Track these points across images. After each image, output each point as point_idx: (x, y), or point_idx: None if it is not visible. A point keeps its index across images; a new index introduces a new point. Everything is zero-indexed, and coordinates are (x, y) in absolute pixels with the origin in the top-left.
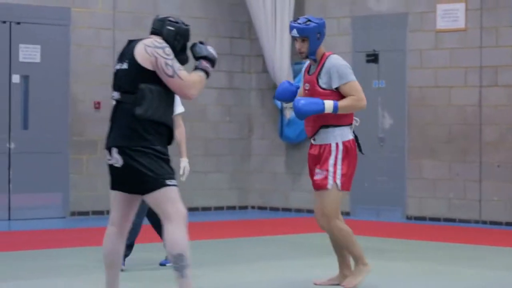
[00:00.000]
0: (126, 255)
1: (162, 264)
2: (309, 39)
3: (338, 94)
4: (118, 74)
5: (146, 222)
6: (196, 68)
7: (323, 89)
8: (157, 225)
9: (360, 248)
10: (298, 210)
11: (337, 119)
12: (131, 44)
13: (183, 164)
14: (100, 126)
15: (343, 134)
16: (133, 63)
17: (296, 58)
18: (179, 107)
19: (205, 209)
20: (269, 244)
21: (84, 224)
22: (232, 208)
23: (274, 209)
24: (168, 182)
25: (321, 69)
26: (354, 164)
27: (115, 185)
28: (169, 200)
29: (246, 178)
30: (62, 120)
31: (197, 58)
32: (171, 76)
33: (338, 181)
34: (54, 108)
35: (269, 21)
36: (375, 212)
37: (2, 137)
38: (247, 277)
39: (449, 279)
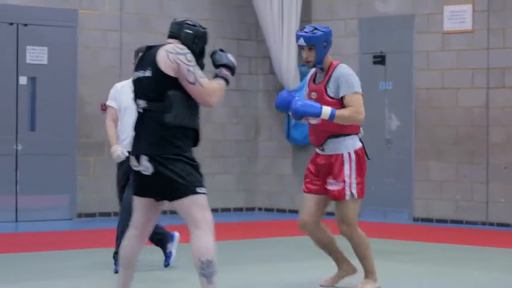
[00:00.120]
0: None
1: (167, 265)
2: (316, 48)
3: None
4: (141, 82)
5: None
6: (216, 75)
7: (331, 98)
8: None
9: (374, 264)
10: None
11: (346, 128)
12: (151, 50)
13: None
14: None
15: (354, 143)
16: (156, 70)
17: (302, 60)
18: None
19: (212, 210)
20: (276, 246)
21: (91, 226)
22: (239, 209)
23: (281, 210)
24: (198, 190)
25: (329, 78)
26: (365, 171)
27: (141, 192)
28: (198, 207)
29: (253, 180)
30: (69, 122)
31: (217, 65)
32: (193, 83)
33: (354, 191)
34: (61, 109)
35: (276, 23)
36: (382, 213)
37: (9, 139)
38: (254, 278)
39: (456, 281)
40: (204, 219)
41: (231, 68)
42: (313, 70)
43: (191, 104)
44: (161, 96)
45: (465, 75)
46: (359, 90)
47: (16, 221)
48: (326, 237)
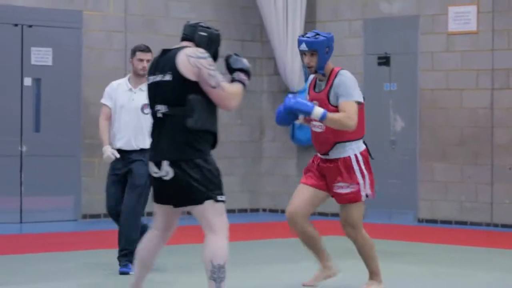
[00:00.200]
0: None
1: (123, 273)
2: (318, 53)
3: None
4: (159, 86)
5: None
6: (233, 80)
7: (334, 106)
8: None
9: (378, 265)
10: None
11: (352, 135)
12: (169, 54)
13: None
14: None
15: (359, 146)
16: (177, 74)
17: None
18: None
19: None
20: (281, 247)
21: (95, 227)
22: (244, 210)
23: (285, 211)
24: (218, 197)
25: (331, 86)
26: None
27: (160, 199)
28: (216, 213)
29: (257, 181)
30: (74, 123)
31: (233, 70)
32: (214, 87)
33: (369, 192)
34: (66, 111)
35: (281, 24)
36: (387, 215)
37: (14, 140)
38: (259, 279)
39: (460, 282)
40: (220, 224)
41: (247, 72)
42: (312, 77)
43: (211, 108)
44: (182, 101)
45: (469, 76)
46: (356, 98)
47: (21, 222)
48: (312, 230)
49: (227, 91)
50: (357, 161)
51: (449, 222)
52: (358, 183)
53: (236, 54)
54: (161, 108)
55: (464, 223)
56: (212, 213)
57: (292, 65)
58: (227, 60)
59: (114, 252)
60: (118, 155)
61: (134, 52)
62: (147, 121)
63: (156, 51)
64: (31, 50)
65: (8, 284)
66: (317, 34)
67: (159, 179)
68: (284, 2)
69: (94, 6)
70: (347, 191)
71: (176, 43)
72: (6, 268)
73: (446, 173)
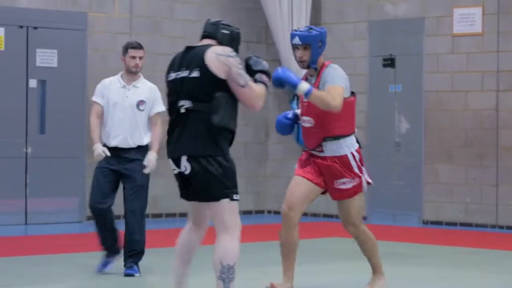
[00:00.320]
0: (135, 262)
1: (129, 274)
2: (311, 47)
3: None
4: (185, 82)
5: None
6: (255, 81)
7: None
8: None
9: (380, 259)
10: (314, 215)
11: (343, 130)
12: (193, 51)
13: (150, 157)
14: None
15: (353, 143)
16: (206, 71)
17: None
18: (159, 106)
19: None
20: None
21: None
22: (249, 212)
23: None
24: (234, 196)
25: (320, 79)
26: None
27: (185, 195)
28: (231, 212)
29: (262, 183)
30: (78, 124)
31: (253, 71)
32: (243, 86)
33: (369, 179)
34: (70, 112)
35: (286, 26)
36: (392, 216)
37: (19, 142)
38: (262, 281)
39: (465, 284)
40: (234, 225)
41: (267, 74)
42: (303, 72)
43: (235, 107)
44: (208, 97)
45: (474, 78)
46: (341, 84)
47: (26, 224)
48: (297, 236)
49: (255, 90)
50: (354, 158)
51: (454, 224)
52: (359, 177)
53: (256, 56)
54: (185, 104)
55: (469, 225)
56: (227, 212)
57: (297, 66)
58: (247, 61)
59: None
60: (108, 153)
61: (126, 49)
62: (143, 118)
63: (161, 53)
64: (36, 52)
65: (13, 286)
66: (310, 28)
67: (180, 175)
68: (289, 4)
69: (99, 8)
70: (349, 187)
71: (181, 45)
72: (11, 270)
73: (451, 174)
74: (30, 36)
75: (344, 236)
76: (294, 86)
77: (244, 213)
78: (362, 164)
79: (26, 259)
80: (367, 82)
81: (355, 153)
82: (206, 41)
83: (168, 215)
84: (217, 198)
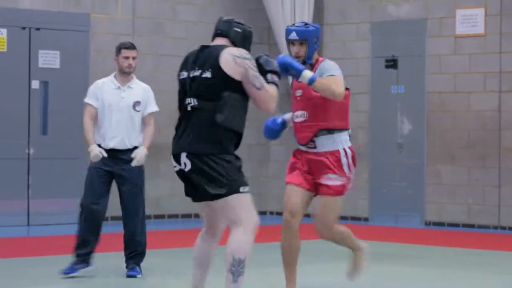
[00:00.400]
0: (137, 263)
1: (131, 276)
2: (307, 42)
3: (330, 100)
4: (195, 81)
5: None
6: (267, 81)
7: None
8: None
9: (355, 239)
10: None
11: (337, 123)
12: (208, 51)
13: (139, 150)
14: None
15: (347, 140)
16: (219, 72)
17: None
18: (152, 106)
19: None
20: None
21: (102, 229)
22: None
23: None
24: (241, 189)
25: (316, 72)
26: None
27: (189, 194)
28: (242, 206)
29: (264, 184)
30: (81, 125)
31: (264, 71)
32: (259, 89)
33: (350, 186)
34: (73, 113)
35: None
36: (394, 217)
37: (21, 143)
38: (266, 283)
39: (468, 285)
40: (247, 218)
41: (278, 74)
42: None
43: (243, 109)
44: (215, 97)
45: (477, 79)
46: (339, 74)
47: (28, 225)
48: (299, 244)
49: (270, 92)
50: (346, 155)
51: (456, 225)
52: (347, 177)
53: (266, 55)
54: (192, 102)
55: (471, 226)
56: (239, 207)
57: None
58: (258, 60)
59: (121, 255)
60: (105, 154)
61: (119, 49)
62: (139, 119)
63: (163, 54)
64: (39, 53)
65: (14, 287)
66: (306, 24)
67: (181, 172)
68: (292, 5)
69: (102, 9)
70: (337, 183)
71: (184, 46)
72: (13, 271)
73: (453, 175)
74: (32, 37)
75: None
76: (299, 72)
77: None
78: (354, 164)
79: (28, 260)
80: (369, 83)
81: (348, 150)
82: (219, 40)
83: (170, 216)
84: (223, 195)
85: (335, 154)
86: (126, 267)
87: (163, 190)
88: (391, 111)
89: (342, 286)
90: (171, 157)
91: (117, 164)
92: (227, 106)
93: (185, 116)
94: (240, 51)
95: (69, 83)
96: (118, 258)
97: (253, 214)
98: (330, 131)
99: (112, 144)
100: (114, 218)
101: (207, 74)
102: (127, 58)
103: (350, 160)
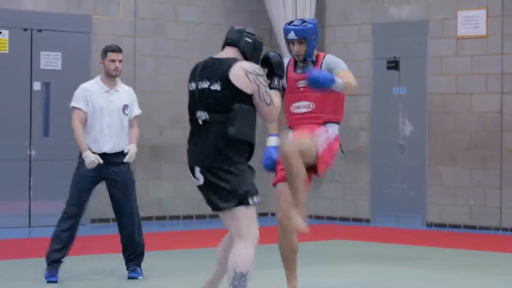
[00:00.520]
0: (138, 264)
1: (132, 277)
2: (307, 41)
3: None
4: (204, 93)
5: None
6: (270, 86)
7: None
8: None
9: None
10: (318, 217)
11: (338, 116)
12: (218, 63)
13: (131, 147)
14: None
15: (337, 129)
16: (229, 86)
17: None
18: (137, 109)
19: None
20: None
21: (104, 231)
22: None
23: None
24: (250, 201)
25: (321, 65)
26: (334, 158)
27: (207, 204)
28: (246, 219)
29: (265, 184)
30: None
31: (272, 74)
32: (269, 105)
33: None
34: None
35: None
36: (395, 219)
37: (23, 144)
38: (266, 283)
39: (469, 286)
40: (250, 232)
41: (281, 78)
42: (288, 58)
43: (253, 120)
44: (224, 109)
45: (479, 80)
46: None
47: (30, 226)
48: (296, 240)
49: (276, 106)
50: (327, 133)
51: (458, 226)
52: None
53: (278, 54)
54: (202, 115)
55: (473, 227)
56: (243, 220)
57: None
58: (269, 59)
59: (120, 256)
60: (101, 161)
61: (105, 52)
62: (127, 122)
63: (165, 55)
64: (41, 55)
65: None
66: (304, 21)
67: (198, 185)
68: (293, 6)
69: (104, 11)
70: (323, 138)
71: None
72: (15, 272)
73: (455, 177)
74: (34, 39)
75: (347, 239)
76: (333, 82)
77: None
78: (334, 152)
79: (29, 262)
80: (371, 84)
81: (331, 133)
82: (229, 50)
83: (172, 217)
84: (229, 207)
85: (321, 127)
86: (127, 268)
87: (166, 191)
88: (392, 113)
89: (343, 286)
90: (189, 171)
91: (108, 167)
92: (239, 118)
93: (196, 130)
94: (253, 67)
95: (70, 84)
96: (117, 260)
97: (255, 227)
98: (336, 122)
99: (106, 148)
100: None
101: (216, 87)
102: (113, 61)
103: (332, 137)
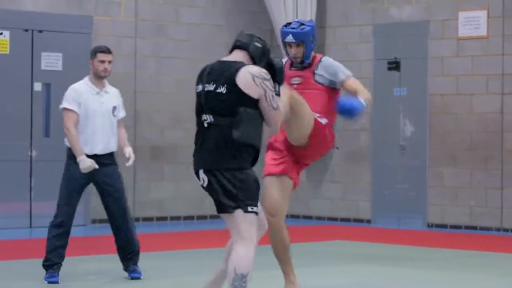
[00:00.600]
0: (136, 263)
1: (135, 278)
2: (305, 43)
3: (328, 89)
4: (209, 96)
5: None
6: (277, 93)
7: (318, 82)
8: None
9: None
10: (319, 218)
11: (332, 116)
12: (225, 66)
13: (130, 149)
14: None
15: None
16: (235, 89)
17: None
18: (123, 111)
19: None
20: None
21: (105, 232)
22: None
23: (294, 216)
24: (249, 208)
25: (316, 65)
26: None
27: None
28: (245, 223)
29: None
30: None
31: (274, 80)
32: (276, 109)
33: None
34: None
35: None
36: (396, 219)
37: (23, 145)
38: (267, 284)
39: (470, 287)
40: (250, 234)
41: (281, 83)
42: (285, 59)
43: (258, 123)
44: (229, 112)
45: (479, 81)
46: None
47: (31, 227)
48: (286, 234)
49: (281, 110)
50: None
51: (458, 227)
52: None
53: (281, 60)
54: (208, 118)
55: (473, 228)
56: (242, 223)
57: None
58: (273, 66)
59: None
60: (97, 166)
61: (94, 53)
62: (116, 123)
63: (166, 56)
64: (41, 55)
65: None
66: (302, 24)
67: (202, 187)
68: (294, 7)
69: (105, 11)
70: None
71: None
72: (16, 273)
73: (455, 178)
74: (35, 40)
75: (348, 239)
76: (362, 109)
77: None
78: (332, 139)
79: (30, 262)
80: (372, 85)
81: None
82: (237, 53)
83: (173, 218)
84: (229, 210)
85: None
86: (126, 269)
87: (167, 192)
88: (393, 113)
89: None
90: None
91: (98, 169)
92: (244, 122)
93: (202, 132)
94: (260, 71)
95: (71, 85)
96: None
97: (255, 230)
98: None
99: (97, 150)
100: None
101: (222, 90)
102: (102, 62)
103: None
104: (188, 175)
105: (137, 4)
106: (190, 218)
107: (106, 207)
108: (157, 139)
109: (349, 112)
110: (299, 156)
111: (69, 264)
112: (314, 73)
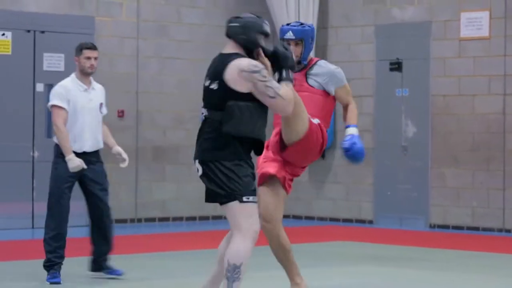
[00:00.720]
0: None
1: (121, 274)
2: (304, 42)
3: (323, 92)
4: (207, 91)
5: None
6: (281, 79)
7: (311, 86)
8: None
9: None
10: (321, 219)
11: (327, 121)
12: (219, 60)
13: (119, 149)
14: (123, 135)
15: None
16: (223, 85)
17: None
18: (105, 108)
19: None
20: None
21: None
22: None
23: (297, 217)
24: (244, 198)
25: (310, 68)
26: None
27: (206, 197)
28: (243, 215)
29: None
30: None
31: (280, 66)
32: (273, 97)
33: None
34: None
35: None
36: (398, 220)
37: (26, 146)
38: (268, 284)
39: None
40: (248, 226)
41: (293, 69)
42: None
43: (253, 114)
44: (222, 107)
45: (481, 82)
46: (346, 81)
47: (33, 227)
48: (286, 236)
49: (285, 98)
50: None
51: (460, 228)
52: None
53: (284, 47)
54: (204, 112)
55: (476, 228)
56: (239, 214)
57: None
58: (276, 53)
59: (126, 257)
60: (85, 166)
61: (80, 50)
62: (101, 120)
63: (168, 57)
64: (43, 56)
65: None
66: (302, 23)
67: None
68: (296, 8)
69: (106, 12)
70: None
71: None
72: (17, 274)
73: (458, 178)
74: (37, 40)
75: (350, 240)
76: (361, 149)
77: None
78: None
79: (33, 263)
80: (374, 86)
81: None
82: (229, 44)
83: (175, 218)
84: (225, 202)
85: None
86: (104, 269)
87: (169, 192)
88: (395, 114)
89: None
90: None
91: (86, 166)
92: (234, 115)
93: (201, 125)
94: (249, 64)
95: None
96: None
97: (254, 221)
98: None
99: (86, 147)
100: (118, 221)
101: (214, 86)
102: (88, 58)
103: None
104: (190, 176)
105: (139, 5)
106: (192, 218)
107: (91, 204)
108: (159, 140)
109: (360, 159)
110: (288, 163)
111: (69, 264)
112: (307, 76)
